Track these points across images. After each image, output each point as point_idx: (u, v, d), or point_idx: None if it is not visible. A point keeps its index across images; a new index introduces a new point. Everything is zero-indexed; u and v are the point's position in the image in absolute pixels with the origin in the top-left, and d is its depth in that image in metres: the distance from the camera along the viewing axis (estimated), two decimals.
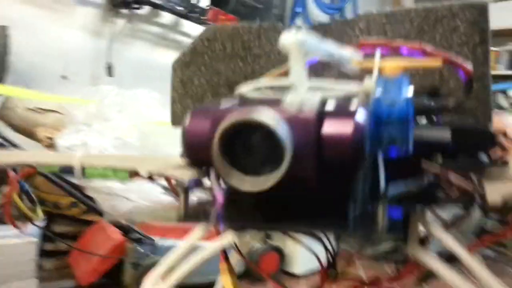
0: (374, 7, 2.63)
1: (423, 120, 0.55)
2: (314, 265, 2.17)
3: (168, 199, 2.07)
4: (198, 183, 0.51)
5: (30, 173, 0.79)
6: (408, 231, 0.49)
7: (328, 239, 0.73)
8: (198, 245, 0.63)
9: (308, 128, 0.37)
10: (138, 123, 2.18)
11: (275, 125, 0.36)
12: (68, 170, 0.72)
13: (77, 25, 2.53)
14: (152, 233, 1.72)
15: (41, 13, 2.35)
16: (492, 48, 0.62)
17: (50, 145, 1.94)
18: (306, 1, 3.66)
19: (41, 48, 2.33)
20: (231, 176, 0.38)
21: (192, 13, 2.98)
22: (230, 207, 0.45)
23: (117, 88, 2.34)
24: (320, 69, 0.50)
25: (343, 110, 0.38)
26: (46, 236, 1.70)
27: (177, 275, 0.60)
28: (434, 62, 0.47)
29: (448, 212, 0.56)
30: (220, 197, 0.46)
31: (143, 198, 1.95)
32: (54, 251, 1.83)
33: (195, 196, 0.56)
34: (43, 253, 1.73)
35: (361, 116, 0.37)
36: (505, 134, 0.62)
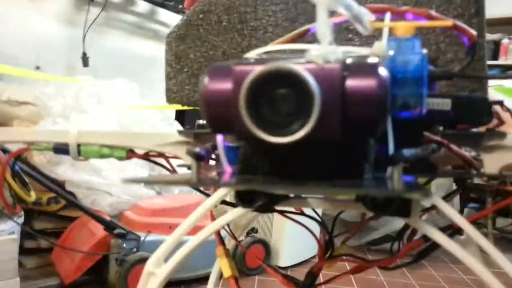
0: None
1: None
2: (299, 257, 2.21)
3: (151, 192, 2.05)
4: (208, 152, 0.49)
5: (22, 152, 0.75)
6: (411, 202, 0.48)
7: (323, 221, 0.74)
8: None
9: (334, 80, 0.36)
10: (115, 112, 2.14)
11: (305, 74, 0.35)
12: (63, 148, 0.71)
13: (51, 13, 2.45)
14: (136, 228, 1.70)
15: (13, 2, 2.27)
16: None
17: None
18: None
19: (13, 37, 2.25)
20: (258, 130, 0.37)
21: (168, 1, 2.93)
22: (245, 169, 0.45)
23: (92, 78, 2.29)
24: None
25: (365, 65, 0.38)
26: (27, 233, 1.66)
27: (180, 253, 0.57)
28: (445, 23, 0.47)
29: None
30: (227, 165, 0.48)
31: (124, 192, 1.92)
32: (36, 249, 1.79)
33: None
34: (24, 251, 1.69)
35: (383, 70, 0.37)
36: (501, 104, 0.64)
